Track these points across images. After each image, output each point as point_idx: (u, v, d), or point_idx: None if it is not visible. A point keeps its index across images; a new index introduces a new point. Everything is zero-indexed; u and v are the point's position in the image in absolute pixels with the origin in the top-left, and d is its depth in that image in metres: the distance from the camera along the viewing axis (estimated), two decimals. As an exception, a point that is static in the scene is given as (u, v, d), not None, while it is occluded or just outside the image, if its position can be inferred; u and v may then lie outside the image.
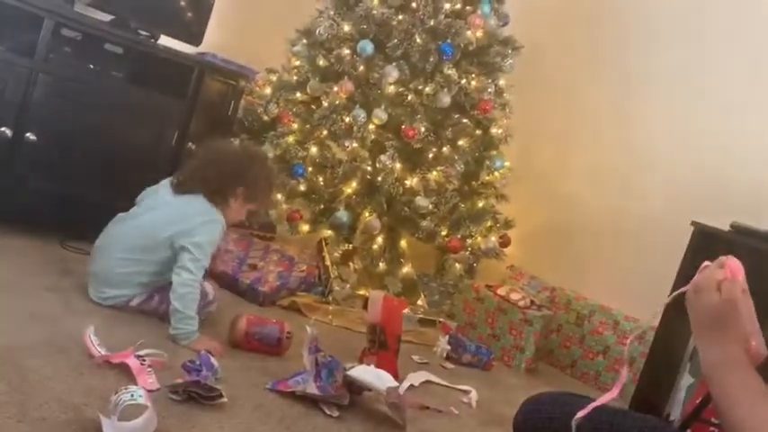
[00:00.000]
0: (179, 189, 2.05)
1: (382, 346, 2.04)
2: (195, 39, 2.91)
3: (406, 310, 2.74)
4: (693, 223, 2.41)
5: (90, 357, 1.56)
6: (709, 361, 0.91)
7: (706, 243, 2.37)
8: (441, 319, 2.91)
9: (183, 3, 2.87)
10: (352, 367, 1.78)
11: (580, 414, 1.03)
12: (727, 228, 2.39)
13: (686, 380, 2.37)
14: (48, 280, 2.01)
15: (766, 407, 0.82)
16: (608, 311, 2.96)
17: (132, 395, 1.28)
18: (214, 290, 2.19)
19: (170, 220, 1.97)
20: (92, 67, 2.55)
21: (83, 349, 1.58)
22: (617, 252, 3.14)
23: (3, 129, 2.21)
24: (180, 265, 1.91)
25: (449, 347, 2.56)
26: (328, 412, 1.69)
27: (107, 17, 2.64)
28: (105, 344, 1.61)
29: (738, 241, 2.31)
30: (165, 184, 2.11)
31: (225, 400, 1.54)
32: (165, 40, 2.80)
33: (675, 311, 2.44)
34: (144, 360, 1.58)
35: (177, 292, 1.88)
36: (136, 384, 1.44)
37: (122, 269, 1.96)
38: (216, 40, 3.09)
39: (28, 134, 2.26)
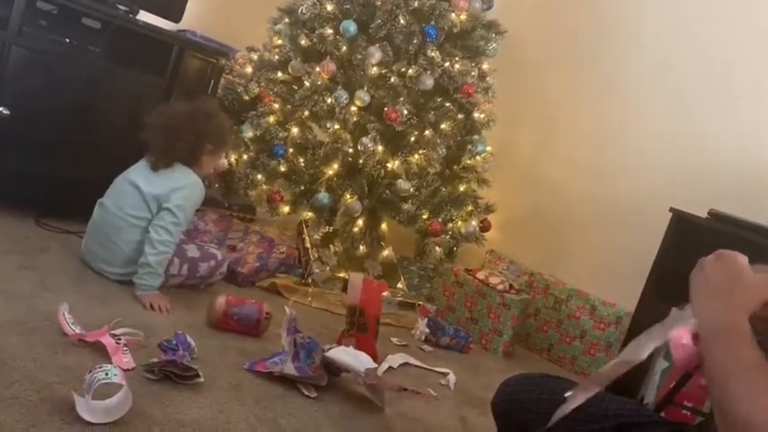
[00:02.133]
0: (157, 166, 2.10)
1: (361, 328, 2.03)
2: (175, 15, 2.85)
3: (385, 293, 2.74)
4: (672, 210, 2.44)
5: (64, 336, 1.54)
6: (709, 327, 0.88)
7: (684, 229, 2.40)
8: (420, 303, 2.92)
9: (162, -22, 2.80)
10: (331, 348, 1.77)
11: (576, 392, 1.01)
12: (704, 215, 2.43)
13: (660, 364, 2.40)
14: (22, 258, 1.97)
15: (760, 382, 0.79)
16: (585, 296, 2.98)
17: (107, 374, 1.27)
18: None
19: (156, 190, 2.06)
20: (68, 41, 2.49)
21: (57, 328, 1.56)
22: (595, 238, 3.16)
23: (-25, 103, 2.15)
24: (161, 225, 2.00)
25: (427, 330, 2.57)
26: (306, 393, 1.68)
27: (84, -10, 2.58)
28: (80, 322, 1.59)
29: (715, 228, 2.35)
30: (139, 165, 2.15)
31: (201, 379, 1.53)
32: (144, 16, 2.74)
33: (651, 295, 2.46)
34: (119, 339, 1.56)
35: (156, 248, 1.98)
36: (111, 363, 1.42)
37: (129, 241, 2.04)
38: (196, 17, 3.03)
39: (0, 108, 2.20)
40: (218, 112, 2.28)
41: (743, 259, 0.92)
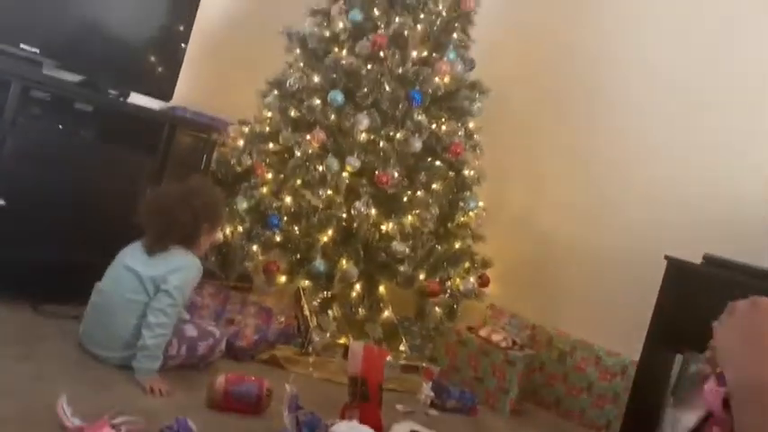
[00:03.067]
0: (153, 251, 2.10)
1: (364, 398, 2.01)
2: (166, 94, 2.92)
3: (388, 358, 2.71)
4: (666, 257, 2.45)
5: (63, 430, 1.51)
6: (745, 382, 0.79)
7: (680, 276, 2.40)
8: (423, 365, 2.89)
9: (152, 59, 2.89)
10: (334, 423, 1.75)
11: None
12: (699, 258, 2.43)
13: (671, 414, 2.37)
14: (18, 349, 1.95)
15: None
16: (589, 347, 2.96)
17: (107, 470, 1.25)
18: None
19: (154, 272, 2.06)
20: (61, 127, 2.54)
21: (57, 421, 1.53)
22: (594, 287, 3.16)
23: (-29, 195, 2.18)
24: (159, 308, 2.00)
25: (432, 394, 2.53)
26: (311, 472, 1.65)
27: (76, 77, 2.65)
28: (80, 412, 1.57)
29: (711, 273, 2.35)
30: (135, 248, 2.15)
31: (204, 466, 1.51)
32: (135, 97, 2.80)
33: (655, 343, 2.45)
34: (120, 429, 1.54)
35: (155, 331, 1.97)
36: (111, 457, 1.40)
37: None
38: (187, 93, 3.10)
39: (-3, 199, 2.23)
40: (211, 188, 2.31)
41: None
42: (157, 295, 2.02)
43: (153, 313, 1.98)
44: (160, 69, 2.90)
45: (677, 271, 2.40)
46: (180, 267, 2.07)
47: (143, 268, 2.05)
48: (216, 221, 2.25)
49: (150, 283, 2.03)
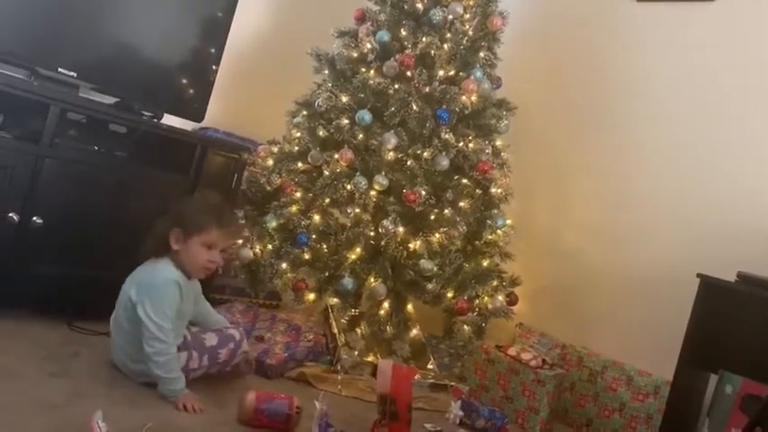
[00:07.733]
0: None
1: (393, 417, 2.00)
2: (198, 115, 2.98)
3: (416, 376, 2.71)
4: (699, 275, 2.41)
5: (97, 446, 1.54)
6: None
7: (713, 294, 2.36)
8: (452, 384, 2.87)
9: (184, 81, 2.95)
10: (364, 442, 1.75)
11: None
12: (733, 277, 2.39)
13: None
14: (54, 365, 1.99)
15: None
16: (621, 367, 2.91)
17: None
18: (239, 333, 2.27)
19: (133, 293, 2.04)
20: (96, 148, 2.60)
21: (90, 437, 1.56)
22: (625, 306, 3.12)
23: (10, 214, 2.23)
24: (150, 338, 1.94)
25: (461, 413, 2.51)
26: (341, 490, 1.65)
27: (111, 100, 2.72)
28: (114, 428, 1.59)
29: (745, 291, 2.31)
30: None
31: (235, 483, 1.52)
32: (168, 119, 2.87)
33: (688, 363, 2.40)
34: (152, 445, 1.56)
35: (157, 361, 1.93)
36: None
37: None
38: (219, 114, 3.17)
39: (35, 218, 2.28)
40: (201, 194, 2.30)
41: None
42: (143, 325, 1.96)
43: (146, 342, 1.94)
44: (192, 91, 2.97)
45: (710, 289, 2.36)
46: (148, 293, 2.00)
47: (128, 287, 2.07)
48: (193, 226, 2.05)
49: (131, 304, 2.02)
